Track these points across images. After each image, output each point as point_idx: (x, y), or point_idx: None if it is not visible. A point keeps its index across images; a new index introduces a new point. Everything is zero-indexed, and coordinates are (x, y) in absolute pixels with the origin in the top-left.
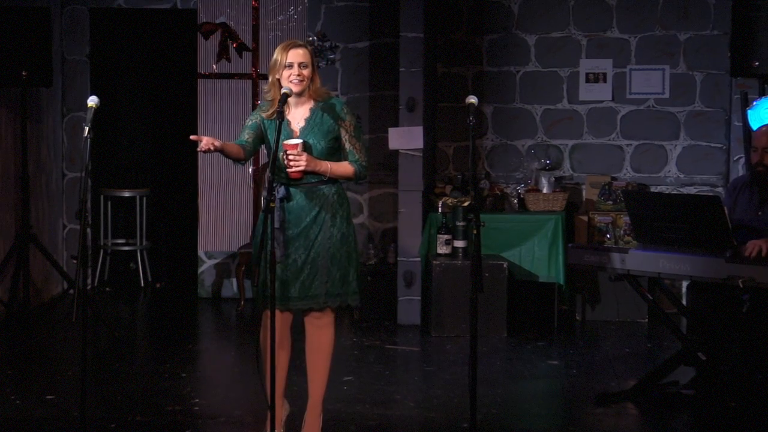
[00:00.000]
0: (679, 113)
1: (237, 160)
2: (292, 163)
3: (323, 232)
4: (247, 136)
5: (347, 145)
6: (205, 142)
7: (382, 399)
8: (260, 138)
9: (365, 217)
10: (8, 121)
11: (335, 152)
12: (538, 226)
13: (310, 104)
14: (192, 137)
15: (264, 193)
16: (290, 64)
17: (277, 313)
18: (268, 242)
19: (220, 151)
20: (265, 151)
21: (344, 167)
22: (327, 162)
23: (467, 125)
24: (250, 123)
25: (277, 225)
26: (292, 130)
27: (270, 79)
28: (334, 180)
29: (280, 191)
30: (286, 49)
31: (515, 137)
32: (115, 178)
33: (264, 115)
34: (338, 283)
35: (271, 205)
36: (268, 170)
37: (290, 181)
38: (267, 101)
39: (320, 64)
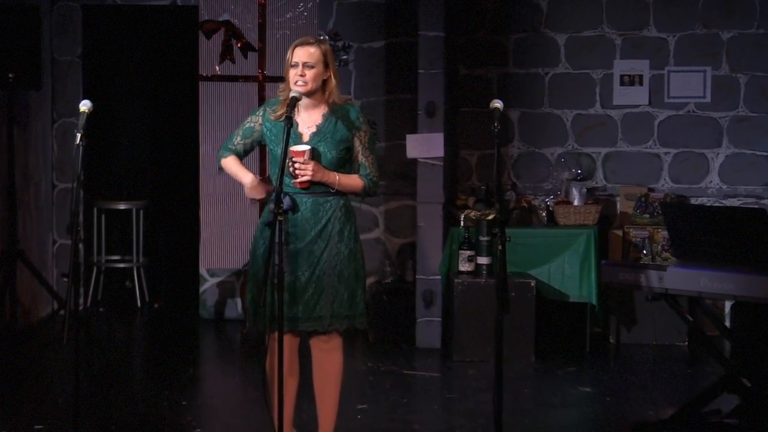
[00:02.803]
0: (722, 119)
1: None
2: (298, 172)
3: (329, 247)
4: (239, 144)
5: (360, 157)
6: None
7: (399, 429)
8: (252, 145)
9: (381, 232)
10: None
11: (346, 163)
12: (569, 242)
13: (324, 109)
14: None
15: (270, 205)
16: (295, 64)
17: (286, 338)
18: (274, 258)
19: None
20: (268, 158)
21: (354, 180)
22: (335, 173)
23: (492, 132)
24: (246, 127)
25: (281, 239)
26: (300, 134)
27: (287, 78)
28: (341, 191)
29: (286, 201)
30: (295, 46)
31: (544, 145)
32: (109, 189)
33: (271, 116)
34: (346, 304)
35: (279, 218)
36: (275, 179)
37: (295, 191)
38: (278, 100)
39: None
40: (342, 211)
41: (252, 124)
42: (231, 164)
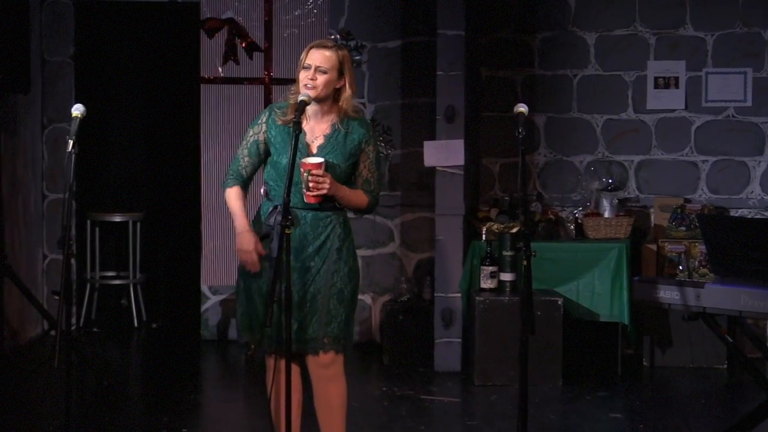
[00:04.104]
0: (764, 124)
1: None
2: (313, 185)
3: (326, 265)
4: (246, 163)
5: (365, 173)
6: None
7: None
8: (260, 161)
9: (396, 246)
10: None
11: (350, 178)
12: (599, 257)
13: (333, 118)
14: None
15: (270, 221)
16: (307, 66)
17: (284, 360)
18: (279, 275)
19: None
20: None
21: (358, 196)
22: (345, 187)
23: (516, 138)
24: (250, 143)
25: (274, 254)
26: (306, 144)
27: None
28: (341, 206)
29: (284, 215)
30: (310, 48)
31: (572, 152)
32: (103, 200)
33: (279, 120)
34: (343, 325)
35: (287, 231)
36: (276, 192)
37: (297, 203)
38: (287, 103)
39: None
40: (341, 228)
41: (255, 138)
42: (232, 198)
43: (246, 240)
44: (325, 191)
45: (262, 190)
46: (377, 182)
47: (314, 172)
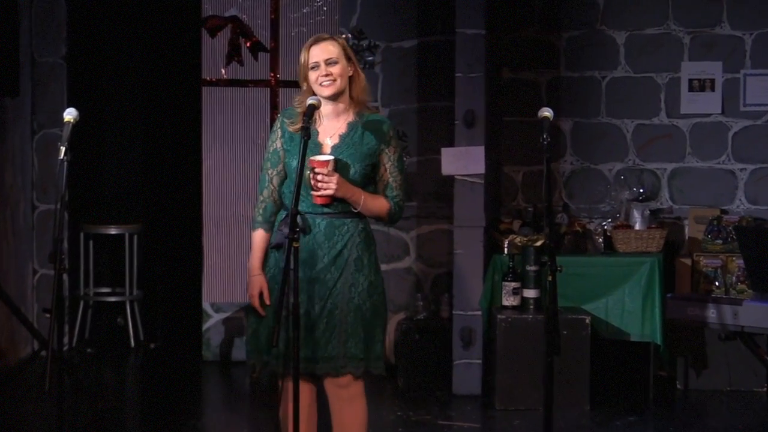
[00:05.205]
0: None
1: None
2: (320, 185)
3: (344, 277)
4: (271, 185)
5: (387, 176)
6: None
7: None
8: (285, 173)
9: (412, 260)
10: None
11: (370, 182)
12: (629, 272)
13: (349, 116)
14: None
15: (283, 228)
16: (315, 64)
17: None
18: (285, 289)
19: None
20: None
21: (379, 202)
22: (361, 191)
23: (540, 145)
24: (270, 152)
25: (284, 265)
26: (320, 145)
27: (302, 87)
28: (361, 214)
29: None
30: (309, 48)
31: (600, 160)
32: (98, 211)
33: (290, 127)
34: (362, 344)
35: (295, 244)
36: (289, 199)
37: (308, 210)
38: (296, 111)
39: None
40: (361, 237)
41: (274, 146)
42: (254, 241)
43: (252, 285)
44: (331, 191)
45: None
46: (400, 188)
47: (318, 170)
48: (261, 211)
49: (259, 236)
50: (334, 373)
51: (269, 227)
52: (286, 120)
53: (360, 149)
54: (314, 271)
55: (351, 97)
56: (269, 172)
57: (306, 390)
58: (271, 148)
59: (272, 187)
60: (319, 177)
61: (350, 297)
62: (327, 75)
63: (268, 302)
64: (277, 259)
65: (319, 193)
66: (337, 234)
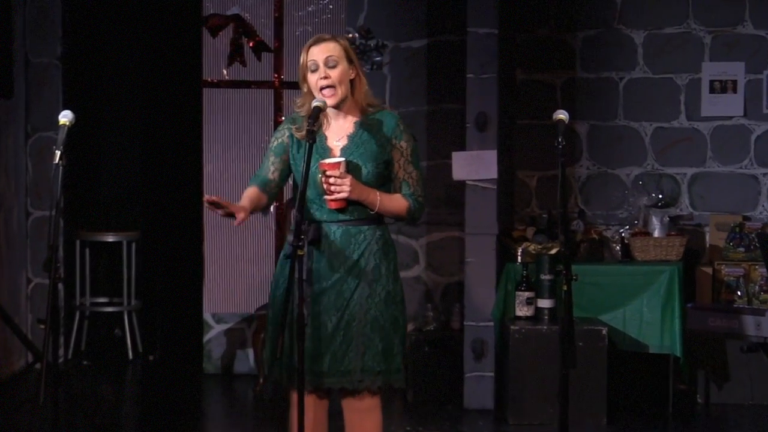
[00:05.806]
0: None
1: (261, 210)
2: (333, 188)
3: (361, 288)
4: (272, 166)
5: (401, 173)
6: (239, 218)
7: None
8: (289, 165)
9: (422, 269)
10: None
11: (385, 181)
12: (648, 281)
13: (355, 116)
14: (209, 201)
15: (289, 237)
16: (314, 66)
17: (312, 396)
18: (294, 300)
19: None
20: (290, 182)
21: (397, 201)
22: (376, 191)
23: (555, 149)
24: (275, 144)
25: (303, 276)
26: (328, 148)
27: (303, 89)
28: (379, 219)
29: (310, 233)
30: (308, 48)
31: (618, 164)
32: (95, 217)
33: (297, 134)
34: (380, 357)
35: (300, 252)
36: (295, 207)
37: (323, 217)
38: (301, 117)
39: (364, 68)
40: (379, 244)
41: (281, 139)
42: (244, 196)
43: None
44: (345, 194)
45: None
46: (418, 183)
47: (329, 173)
48: (254, 176)
49: (247, 191)
50: (350, 386)
51: (263, 188)
52: (291, 126)
53: (370, 147)
54: (330, 281)
55: (354, 98)
56: (272, 158)
57: (317, 404)
58: (276, 141)
59: (269, 176)
60: (331, 180)
61: (367, 308)
62: (326, 78)
63: (214, 200)
64: (283, 266)
65: (332, 197)
66: (353, 242)
